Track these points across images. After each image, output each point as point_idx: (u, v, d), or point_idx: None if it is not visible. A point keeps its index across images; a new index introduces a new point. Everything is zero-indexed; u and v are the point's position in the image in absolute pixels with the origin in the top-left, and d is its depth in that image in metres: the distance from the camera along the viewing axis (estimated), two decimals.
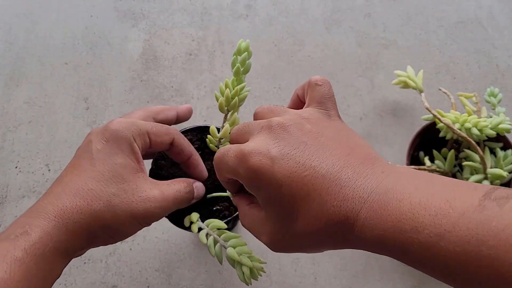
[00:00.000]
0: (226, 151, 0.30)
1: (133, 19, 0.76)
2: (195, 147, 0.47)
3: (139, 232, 0.58)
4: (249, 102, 0.68)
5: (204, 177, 0.42)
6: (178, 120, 0.43)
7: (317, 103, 0.32)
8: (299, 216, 0.27)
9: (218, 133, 0.45)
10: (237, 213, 0.43)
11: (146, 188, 0.34)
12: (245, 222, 0.32)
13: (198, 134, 0.48)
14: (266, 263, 0.38)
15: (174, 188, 0.36)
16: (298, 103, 0.36)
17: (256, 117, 0.34)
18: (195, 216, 0.41)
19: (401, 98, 0.69)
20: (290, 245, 0.28)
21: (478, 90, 0.70)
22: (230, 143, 0.34)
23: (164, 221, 0.59)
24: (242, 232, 0.59)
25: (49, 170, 0.63)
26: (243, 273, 0.35)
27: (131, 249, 0.58)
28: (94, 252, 0.57)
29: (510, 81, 0.70)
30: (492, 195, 0.22)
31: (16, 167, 0.63)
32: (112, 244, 0.35)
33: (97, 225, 0.32)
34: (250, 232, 0.32)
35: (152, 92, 0.69)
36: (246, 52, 0.38)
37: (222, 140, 0.45)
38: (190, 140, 0.48)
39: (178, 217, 0.43)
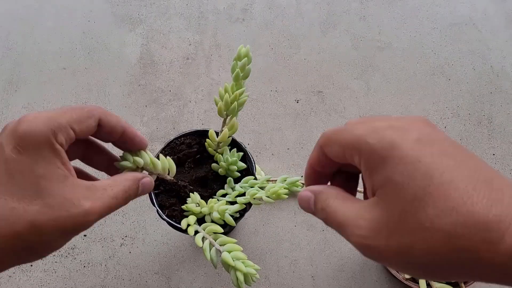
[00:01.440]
0: (342, 127, 0.26)
1: (131, 24, 0.77)
2: (193, 151, 0.48)
3: (138, 235, 0.59)
4: (246, 105, 0.68)
5: (145, 146, 0.37)
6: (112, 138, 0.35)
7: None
8: (431, 201, 0.21)
9: (217, 137, 0.46)
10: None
11: (74, 199, 0.29)
12: (333, 206, 0.27)
13: (197, 138, 0.48)
14: (260, 269, 0.38)
15: (109, 194, 0.31)
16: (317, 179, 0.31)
17: None
18: (192, 219, 0.42)
19: (397, 100, 0.70)
20: (402, 245, 0.22)
21: (473, 91, 0.70)
22: None
23: (163, 224, 0.59)
24: (238, 236, 0.59)
25: None
26: (237, 278, 0.35)
27: (130, 252, 0.58)
28: (94, 256, 0.58)
29: (504, 82, 0.71)
30: None
31: None
32: (37, 260, 0.31)
33: (21, 247, 0.28)
34: (335, 223, 0.27)
35: (150, 96, 0.70)
36: (246, 58, 0.39)
37: (221, 144, 0.46)
38: (189, 144, 0.48)
39: (177, 219, 0.44)
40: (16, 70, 0.72)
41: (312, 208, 0.29)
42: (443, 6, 0.79)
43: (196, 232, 0.41)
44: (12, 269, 0.56)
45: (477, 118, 0.68)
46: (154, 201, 0.44)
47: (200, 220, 0.44)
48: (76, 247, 0.58)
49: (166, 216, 0.44)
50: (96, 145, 0.37)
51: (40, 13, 0.78)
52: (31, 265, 0.57)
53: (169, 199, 0.45)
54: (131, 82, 0.71)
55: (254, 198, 0.42)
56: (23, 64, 0.73)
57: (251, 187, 0.44)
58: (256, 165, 0.53)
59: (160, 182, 0.46)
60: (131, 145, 0.36)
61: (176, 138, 0.48)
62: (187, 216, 0.43)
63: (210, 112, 0.68)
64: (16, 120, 0.29)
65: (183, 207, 0.44)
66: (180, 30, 0.76)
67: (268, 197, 0.42)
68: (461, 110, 0.69)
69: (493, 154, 0.65)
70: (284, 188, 0.42)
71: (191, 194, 0.44)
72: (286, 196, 0.42)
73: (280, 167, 0.63)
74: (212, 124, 0.67)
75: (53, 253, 0.57)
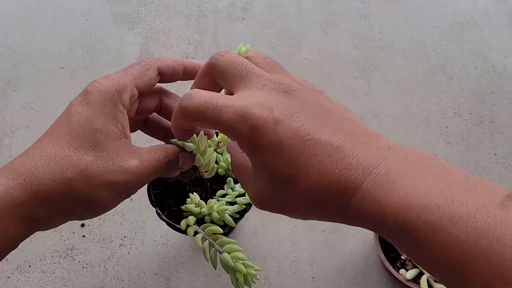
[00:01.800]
0: (213, 102, 0.27)
1: (130, 23, 0.76)
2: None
3: (137, 236, 0.58)
4: None
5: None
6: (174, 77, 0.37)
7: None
8: (295, 182, 0.25)
9: (217, 136, 0.46)
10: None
11: (126, 157, 0.31)
12: (235, 170, 0.31)
13: None
14: (260, 269, 0.38)
15: (154, 157, 0.33)
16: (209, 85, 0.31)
17: (251, 61, 0.30)
18: (191, 219, 0.42)
19: (398, 100, 0.69)
20: (278, 206, 0.27)
21: (475, 91, 0.70)
22: (200, 75, 0.31)
23: (162, 224, 0.59)
24: (238, 237, 0.59)
25: None
26: (237, 279, 0.35)
27: (129, 253, 0.58)
28: (93, 257, 0.57)
29: (506, 81, 0.71)
30: None
31: None
32: (87, 219, 0.32)
33: (71, 195, 0.30)
34: (237, 179, 0.31)
35: None
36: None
37: (220, 144, 0.45)
38: None
39: (176, 219, 0.43)
40: (14, 70, 0.72)
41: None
42: (445, 5, 0.78)
43: (196, 232, 0.40)
44: (10, 270, 0.56)
45: (479, 117, 0.68)
46: (153, 201, 0.44)
47: (200, 221, 0.44)
48: (75, 248, 0.58)
49: (165, 216, 0.43)
50: (156, 121, 0.39)
51: (39, 12, 0.77)
52: (30, 266, 0.56)
53: (168, 199, 0.45)
54: None
55: None
56: (21, 63, 0.72)
57: None
58: None
59: (160, 182, 0.45)
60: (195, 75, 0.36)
61: None
62: (186, 217, 0.43)
63: None
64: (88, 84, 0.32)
65: (183, 207, 0.43)
66: (180, 29, 0.76)
67: None
68: (462, 110, 0.68)
69: (495, 154, 0.65)
70: None
71: (190, 194, 0.43)
72: None
73: None
74: None
75: (52, 254, 0.57)
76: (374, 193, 0.23)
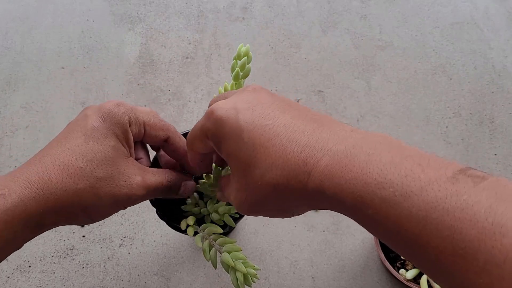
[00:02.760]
0: (195, 125, 0.31)
1: (130, 23, 0.76)
2: None
3: (137, 236, 0.58)
4: None
5: (198, 173, 0.42)
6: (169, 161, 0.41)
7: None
8: (257, 163, 0.26)
9: None
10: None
11: (131, 174, 0.34)
12: (224, 192, 0.33)
13: None
14: (260, 269, 0.38)
15: (157, 179, 0.36)
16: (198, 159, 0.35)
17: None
18: (191, 219, 0.41)
19: (398, 100, 0.69)
20: (254, 201, 0.28)
21: (475, 90, 0.70)
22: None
23: (162, 224, 0.59)
24: (238, 237, 0.59)
25: None
26: (237, 279, 0.35)
27: (129, 253, 0.58)
28: (93, 257, 0.57)
29: (506, 81, 0.71)
30: (468, 172, 0.21)
31: None
32: (87, 224, 0.34)
33: (78, 204, 0.31)
34: (230, 202, 0.32)
35: (149, 96, 0.69)
36: (246, 57, 0.38)
37: None
38: None
39: (176, 219, 0.43)
40: (14, 70, 0.72)
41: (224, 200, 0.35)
42: (445, 5, 0.78)
43: (196, 232, 0.40)
44: (10, 270, 0.56)
45: (479, 117, 0.68)
46: (153, 201, 0.44)
47: (200, 221, 0.43)
48: (75, 248, 0.58)
49: (165, 216, 0.43)
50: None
51: (38, 12, 0.77)
52: (30, 266, 0.56)
53: (169, 199, 0.45)
54: (130, 81, 0.71)
55: None
56: (21, 63, 0.72)
57: None
58: None
59: None
60: (188, 169, 0.40)
61: None
62: (186, 217, 0.43)
63: None
64: (104, 102, 0.35)
65: (183, 207, 0.43)
66: (180, 29, 0.76)
67: None
68: (462, 110, 0.68)
69: (495, 154, 0.65)
70: None
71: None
72: None
73: None
74: None
75: (52, 254, 0.57)
76: (333, 169, 0.24)
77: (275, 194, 0.27)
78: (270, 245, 0.58)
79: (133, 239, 0.58)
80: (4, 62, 0.72)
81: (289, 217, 0.29)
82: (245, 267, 0.35)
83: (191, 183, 0.39)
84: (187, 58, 0.73)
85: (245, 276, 0.35)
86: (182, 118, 0.67)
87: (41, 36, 0.75)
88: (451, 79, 0.71)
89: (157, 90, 0.70)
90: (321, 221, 0.60)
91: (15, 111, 0.68)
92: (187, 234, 0.41)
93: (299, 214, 0.29)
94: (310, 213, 0.60)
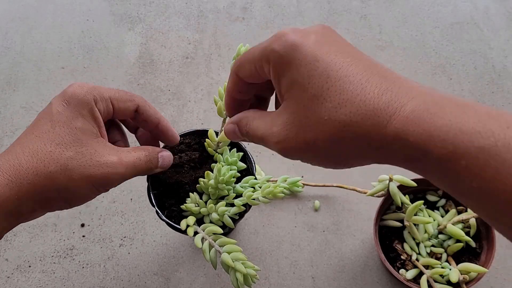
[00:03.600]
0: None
1: (130, 23, 0.76)
2: (193, 151, 0.47)
3: (137, 236, 0.58)
4: None
5: (176, 142, 0.42)
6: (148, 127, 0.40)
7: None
8: (329, 97, 0.23)
9: (217, 137, 0.46)
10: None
11: (104, 153, 0.33)
12: (254, 126, 0.29)
13: (197, 138, 0.48)
14: (260, 270, 0.38)
15: (134, 155, 0.35)
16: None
17: None
18: (191, 219, 0.41)
19: None
20: (308, 140, 0.24)
21: (475, 90, 0.70)
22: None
23: (162, 224, 0.59)
24: (238, 237, 0.59)
25: None
26: (237, 279, 0.35)
27: (129, 253, 0.58)
28: (93, 257, 0.57)
29: (506, 81, 0.71)
30: None
31: None
32: (67, 209, 0.34)
33: (52, 187, 0.32)
34: (258, 139, 0.28)
35: (149, 96, 0.69)
36: None
37: (220, 144, 0.45)
38: (188, 143, 0.48)
39: (176, 219, 0.43)
40: (14, 70, 0.72)
41: (240, 136, 0.31)
42: (445, 5, 0.78)
43: (196, 233, 0.40)
44: (10, 270, 0.56)
45: None
46: (153, 201, 0.44)
47: (200, 221, 0.43)
48: (75, 248, 0.58)
49: (165, 216, 0.43)
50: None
51: (38, 12, 0.77)
52: (30, 266, 0.56)
53: (168, 199, 0.45)
54: (130, 81, 0.71)
55: (253, 199, 0.42)
56: (21, 63, 0.72)
57: (252, 187, 0.44)
58: (256, 165, 0.53)
59: (159, 182, 0.45)
60: (163, 138, 0.40)
61: None
62: (186, 217, 0.43)
63: (210, 112, 0.68)
64: (65, 88, 0.35)
65: (182, 207, 0.43)
66: (180, 29, 0.76)
67: (264, 197, 0.42)
68: None
69: None
70: (284, 188, 0.42)
71: (190, 194, 0.43)
72: (282, 195, 0.42)
73: (280, 167, 0.63)
74: (212, 123, 0.67)
75: (52, 254, 0.57)
76: (421, 115, 0.21)
77: (341, 135, 0.23)
78: (270, 245, 0.58)
79: (133, 239, 0.58)
80: (4, 62, 0.72)
81: (340, 168, 0.25)
82: (245, 267, 0.35)
83: (167, 153, 0.39)
84: (187, 58, 0.73)
85: (245, 276, 0.35)
86: (182, 118, 0.67)
87: (41, 36, 0.75)
88: (451, 79, 0.71)
89: (157, 90, 0.70)
90: (321, 221, 0.60)
91: (15, 111, 0.68)
92: (187, 234, 0.41)
93: (353, 166, 0.25)
94: (310, 213, 0.60)
